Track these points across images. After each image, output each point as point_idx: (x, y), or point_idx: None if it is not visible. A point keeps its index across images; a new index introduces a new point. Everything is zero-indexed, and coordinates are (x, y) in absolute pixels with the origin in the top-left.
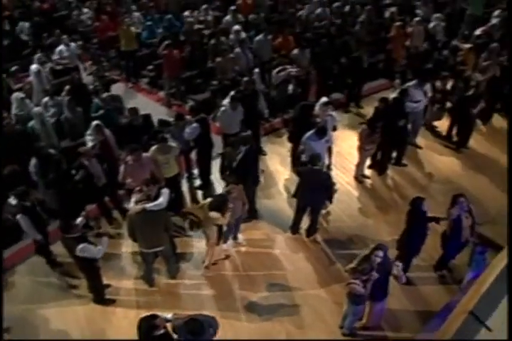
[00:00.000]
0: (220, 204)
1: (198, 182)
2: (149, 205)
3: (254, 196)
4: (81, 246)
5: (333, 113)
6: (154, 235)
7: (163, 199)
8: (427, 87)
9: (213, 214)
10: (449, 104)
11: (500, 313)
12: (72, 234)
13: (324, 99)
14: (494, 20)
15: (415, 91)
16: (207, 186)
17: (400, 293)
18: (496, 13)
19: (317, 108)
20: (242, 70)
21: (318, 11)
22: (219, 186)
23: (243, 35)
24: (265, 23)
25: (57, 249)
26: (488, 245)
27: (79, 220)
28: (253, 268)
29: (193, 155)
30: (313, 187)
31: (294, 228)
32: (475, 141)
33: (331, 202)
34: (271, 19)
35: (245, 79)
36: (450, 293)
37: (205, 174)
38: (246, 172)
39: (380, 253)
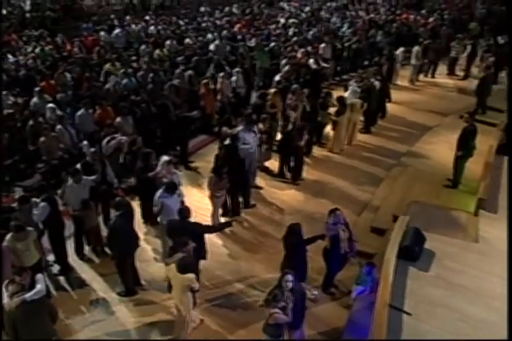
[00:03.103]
0: (190, 264)
1: (56, 269)
2: (29, 295)
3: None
4: None
5: (176, 170)
6: (41, 327)
7: (41, 286)
8: (255, 129)
9: (189, 275)
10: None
11: (409, 298)
12: None
13: (165, 157)
14: (285, 68)
15: (245, 134)
16: (68, 271)
17: None
18: (283, 61)
19: (160, 167)
20: (67, 147)
21: (125, 81)
22: (79, 269)
23: (58, 112)
24: (76, 100)
25: None
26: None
27: None
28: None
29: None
30: None
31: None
32: (306, 172)
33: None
34: (80, 95)
35: (92, 150)
36: (346, 306)
37: (63, 258)
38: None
39: (290, 277)
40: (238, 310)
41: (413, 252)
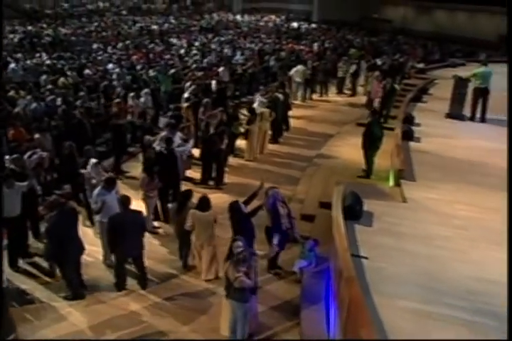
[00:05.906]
0: (207, 201)
1: None
2: None
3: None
4: None
5: (105, 173)
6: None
7: None
8: (177, 135)
9: (211, 211)
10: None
11: (362, 246)
12: None
13: (93, 160)
14: (191, 88)
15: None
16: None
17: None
18: (188, 84)
19: (89, 169)
20: None
21: (34, 105)
22: (17, 280)
23: None
24: None
25: None
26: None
27: None
28: None
29: None
30: (130, 231)
31: (120, 284)
32: (227, 178)
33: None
34: None
35: (14, 156)
36: (294, 284)
37: None
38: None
39: (239, 243)
40: (191, 298)
41: (355, 211)
